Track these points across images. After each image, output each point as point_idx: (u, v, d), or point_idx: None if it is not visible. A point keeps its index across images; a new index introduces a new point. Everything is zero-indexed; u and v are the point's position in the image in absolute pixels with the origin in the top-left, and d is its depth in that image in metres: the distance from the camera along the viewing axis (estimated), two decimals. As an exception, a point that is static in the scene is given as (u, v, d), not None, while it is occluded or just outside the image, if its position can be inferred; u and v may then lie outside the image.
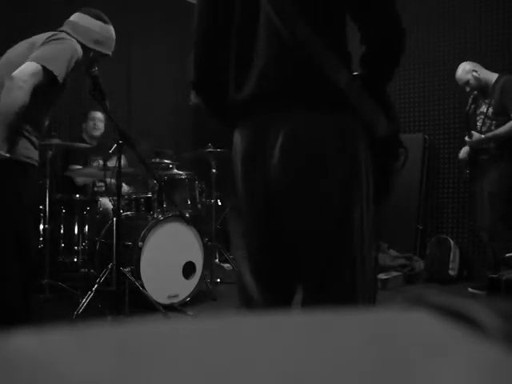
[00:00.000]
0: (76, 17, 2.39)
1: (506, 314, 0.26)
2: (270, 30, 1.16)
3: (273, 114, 1.16)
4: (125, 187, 3.81)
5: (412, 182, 4.40)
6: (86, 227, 3.42)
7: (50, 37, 2.23)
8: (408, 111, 4.64)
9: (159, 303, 3.00)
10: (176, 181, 3.56)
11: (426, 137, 4.53)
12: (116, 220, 2.76)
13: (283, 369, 0.22)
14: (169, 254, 3.21)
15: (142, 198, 3.61)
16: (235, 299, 1.31)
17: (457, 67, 3.74)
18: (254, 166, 1.20)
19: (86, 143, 3.74)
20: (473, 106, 3.73)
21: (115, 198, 2.74)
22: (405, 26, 1.16)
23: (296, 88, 1.15)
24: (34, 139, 2.26)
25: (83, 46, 2.32)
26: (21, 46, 2.28)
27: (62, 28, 2.35)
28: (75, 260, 3.40)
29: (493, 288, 2.51)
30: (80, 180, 3.84)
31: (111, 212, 3.20)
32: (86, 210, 3.42)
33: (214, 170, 3.90)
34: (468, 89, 3.69)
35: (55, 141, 3.16)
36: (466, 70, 3.66)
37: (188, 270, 3.30)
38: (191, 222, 3.25)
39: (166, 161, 3.59)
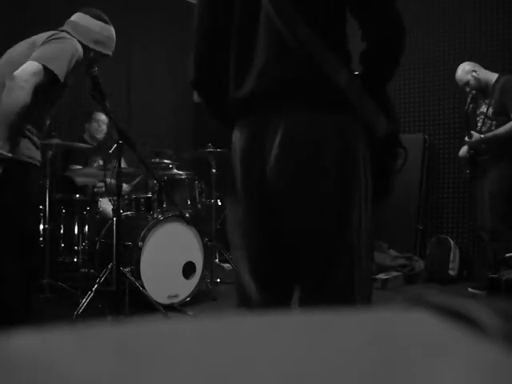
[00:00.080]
0: (76, 17, 2.39)
1: (506, 314, 0.25)
2: (270, 29, 1.16)
3: (272, 114, 1.16)
4: (124, 186, 3.81)
5: (412, 181, 4.40)
6: (86, 227, 3.41)
7: (50, 36, 2.23)
8: (408, 111, 4.64)
9: (159, 303, 2.99)
10: (176, 181, 3.56)
11: (426, 137, 4.53)
12: (116, 220, 2.76)
13: (283, 369, 0.22)
14: (169, 254, 3.21)
15: (142, 197, 3.61)
16: (235, 299, 1.32)
17: (457, 67, 3.74)
18: (252, 166, 1.20)
19: (87, 143, 3.74)
20: (471, 106, 3.73)
21: (115, 198, 2.74)
22: (405, 25, 1.16)
23: (296, 88, 1.15)
24: (35, 139, 2.26)
25: (83, 46, 2.32)
26: (21, 46, 2.28)
27: (62, 28, 2.34)
28: (75, 260, 3.40)
29: (493, 288, 2.51)
30: (80, 180, 3.84)
31: (111, 214, 3.20)
32: (86, 210, 3.42)
33: (214, 170, 3.90)
34: (468, 89, 3.69)
35: (55, 141, 3.16)
36: (465, 71, 3.66)
37: (188, 270, 3.30)
38: (191, 222, 3.25)
39: (165, 161, 3.59)
